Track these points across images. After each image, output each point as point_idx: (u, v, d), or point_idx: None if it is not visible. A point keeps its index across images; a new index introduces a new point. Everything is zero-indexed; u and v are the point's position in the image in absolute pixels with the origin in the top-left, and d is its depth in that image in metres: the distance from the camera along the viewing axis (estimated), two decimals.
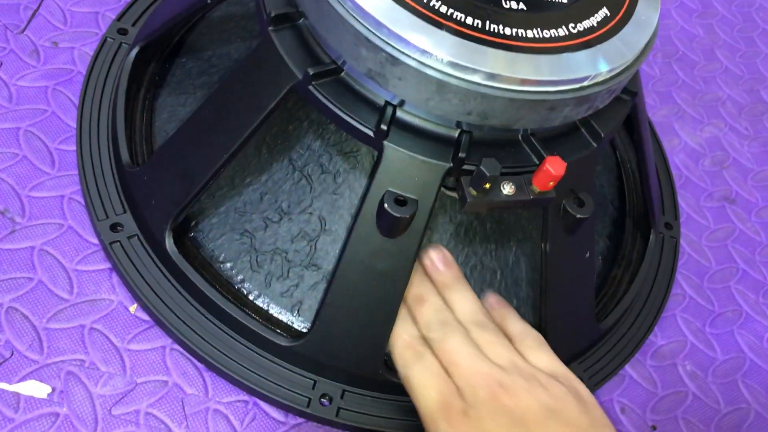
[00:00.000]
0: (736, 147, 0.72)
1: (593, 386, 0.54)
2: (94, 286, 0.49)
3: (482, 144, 0.42)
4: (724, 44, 0.80)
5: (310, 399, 0.46)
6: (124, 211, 0.51)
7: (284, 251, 0.49)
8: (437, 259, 0.45)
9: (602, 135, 0.44)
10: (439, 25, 0.38)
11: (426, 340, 0.43)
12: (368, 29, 0.38)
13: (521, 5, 0.40)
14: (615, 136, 0.65)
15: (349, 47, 0.39)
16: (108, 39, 0.59)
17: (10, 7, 0.60)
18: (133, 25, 0.60)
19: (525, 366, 0.41)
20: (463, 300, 0.45)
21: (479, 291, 0.51)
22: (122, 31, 0.60)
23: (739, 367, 0.59)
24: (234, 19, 0.58)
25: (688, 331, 0.60)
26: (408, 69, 0.38)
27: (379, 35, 0.38)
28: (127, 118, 0.54)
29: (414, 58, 0.37)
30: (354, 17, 0.38)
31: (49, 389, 0.45)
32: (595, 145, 0.44)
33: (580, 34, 0.40)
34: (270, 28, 0.43)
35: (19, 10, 0.60)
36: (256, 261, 0.49)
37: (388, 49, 0.37)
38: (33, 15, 0.60)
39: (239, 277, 0.49)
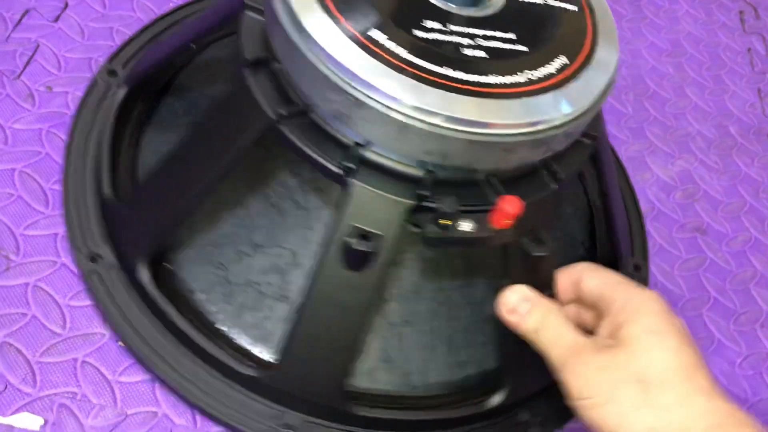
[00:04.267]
0: (707, 180, 0.76)
1: (562, 421, 0.55)
2: (86, 321, 0.51)
3: (446, 184, 0.44)
4: (693, 82, 0.84)
5: (274, 429, 0.47)
6: (105, 244, 0.52)
7: (257, 284, 0.50)
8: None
9: (561, 177, 0.46)
10: (402, 71, 0.40)
11: None
12: (337, 75, 0.40)
13: (482, 53, 0.42)
14: (587, 179, 0.67)
15: (318, 91, 0.42)
16: (99, 80, 0.62)
17: (6, 54, 0.62)
18: (123, 67, 0.63)
19: None
20: None
21: (448, 327, 0.52)
22: (112, 73, 0.62)
23: None
24: (221, 62, 0.61)
25: None
26: (373, 112, 0.40)
27: (347, 80, 0.40)
28: (112, 153, 0.56)
29: (380, 102, 0.40)
30: (323, 64, 0.40)
31: (41, 421, 0.46)
32: (554, 186, 0.46)
33: (539, 80, 0.43)
34: (246, 70, 0.45)
35: (15, 56, 0.62)
36: (230, 293, 0.50)
37: (355, 94, 0.40)
38: (28, 61, 0.62)
39: (212, 308, 0.50)
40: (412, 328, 0.51)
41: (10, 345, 0.49)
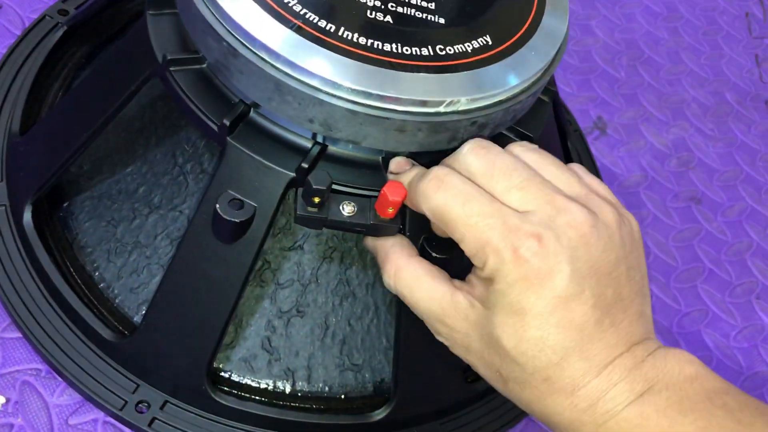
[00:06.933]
0: (702, 148, 0.73)
1: None
2: None
3: (340, 161, 0.40)
4: (689, 47, 0.81)
5: (126, 402, 0.43)
6: (1, 180, 0.49)
7: (144, 246, 0.47)
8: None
9: None
10: (286, 22, 0.36)
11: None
12: (215, 17, 0.36)
13: (387, 17, 0.38)
14: None
15: (200, 37, 0.38)
16: (47, 17, 0.59)
17: None
18: (77, 8, 0.60)
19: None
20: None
21: (346, 325, 0.48)
22: (63, 12, 0.60)
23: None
24: None
25: (655, 330, 0.57)
26: (247, 63, 0.36)
27: (223, 24, 0.36)
28: (36, 91, 0.53)
29: (254, 53, 0.36)
30: (205, 4, 0.36)
31: (3, 400, 0.44)
32: None
33: (447, 56, 0.37)
34: (149, 11, 0.42)
35: None
36: (115, 251, 0.47)
37: (230, 40, 0.36)
38: None
39: (94, 265, 0.47)
40: (303, 318, 0.47)
41: None
